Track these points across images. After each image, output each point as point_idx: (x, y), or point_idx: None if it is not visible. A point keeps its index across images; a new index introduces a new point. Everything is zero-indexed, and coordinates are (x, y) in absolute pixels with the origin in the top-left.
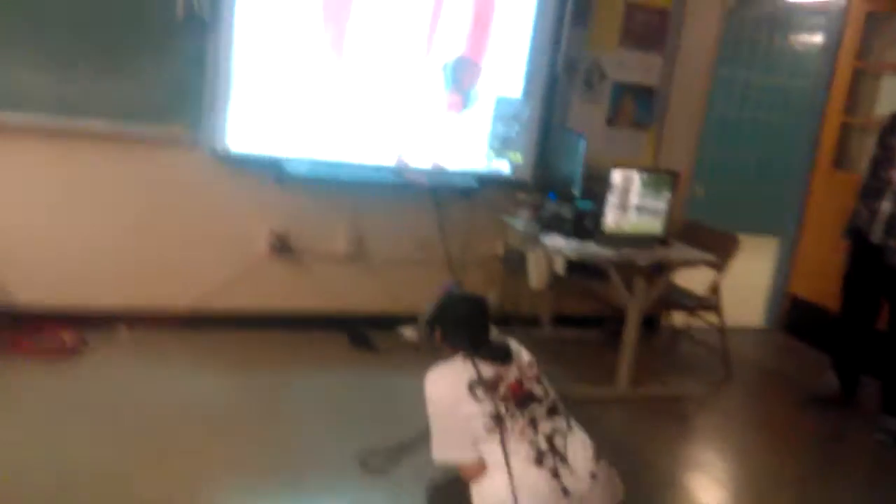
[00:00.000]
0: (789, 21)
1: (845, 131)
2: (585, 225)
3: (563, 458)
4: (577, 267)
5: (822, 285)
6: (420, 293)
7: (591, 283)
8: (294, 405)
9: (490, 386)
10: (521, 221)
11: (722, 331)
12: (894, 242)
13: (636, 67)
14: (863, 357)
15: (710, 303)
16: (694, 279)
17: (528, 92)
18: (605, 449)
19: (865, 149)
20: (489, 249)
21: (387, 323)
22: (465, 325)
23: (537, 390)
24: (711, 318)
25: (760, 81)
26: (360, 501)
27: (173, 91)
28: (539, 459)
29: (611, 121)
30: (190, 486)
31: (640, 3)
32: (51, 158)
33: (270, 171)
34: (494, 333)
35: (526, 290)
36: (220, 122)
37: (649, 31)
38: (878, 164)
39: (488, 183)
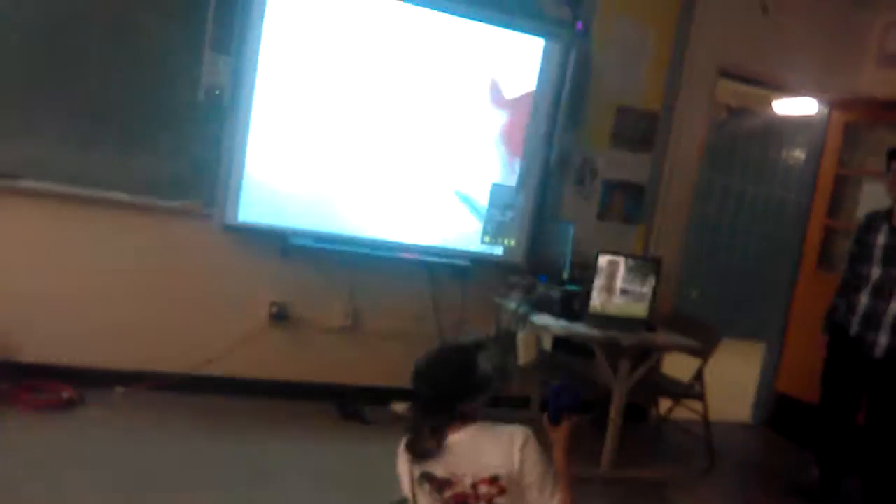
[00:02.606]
0: (778, 134)
1: (829, 234)
2: (573, 306)
3: None
4: (565, 347)
5: (808, 383)
6: (412, 369)
7: (578, 363)
8: (280, 471)
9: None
10: (512, 302)
11: (706, 419)
12: (872, 335)
13: (626, 166)
14: (844, 451)
15: (694, 391)
16: (681, 370)
17: (523, 182)
18: None
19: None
20: (482, 328)
21: (378, 396)
22: None
23: None
24: (697, 407)
25: (752, 191)
26: None
27: (190, 168)
28: None
29: (601, 215)
30: None
31: (630, 106)
32: (66, 223)
33: (276, 244)
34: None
35: (516, 372)
36: (232, 197)
37: (639, 133)
38: (856, 261)
39: (483, 264)
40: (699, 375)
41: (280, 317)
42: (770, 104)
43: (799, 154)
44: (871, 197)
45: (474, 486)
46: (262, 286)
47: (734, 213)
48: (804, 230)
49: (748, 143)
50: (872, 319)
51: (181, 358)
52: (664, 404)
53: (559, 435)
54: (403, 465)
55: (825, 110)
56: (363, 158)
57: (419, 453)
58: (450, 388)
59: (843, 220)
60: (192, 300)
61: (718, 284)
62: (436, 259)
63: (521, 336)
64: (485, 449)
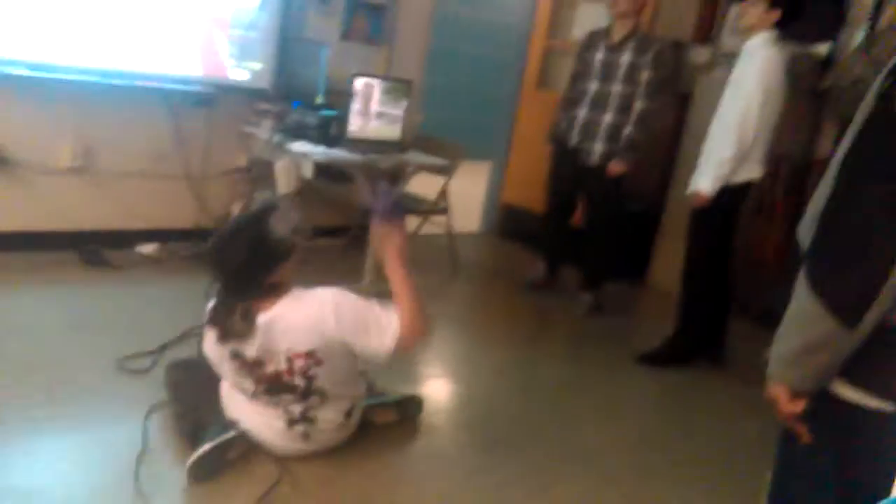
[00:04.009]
0: None
1: (548, 55)
2: (331, 131)
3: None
4: (324, 173)
5: (531, 193)
6: (157, 208)
7: (337, 188)
8: (35, 324)
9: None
10: (265, 130)
11: (450, 232)
12: (589, 144)
13: None
14: (564, 247)
15: (440, 207)
16: (423, 187)
17: (264, 1)
18: None
19: (566, 68)
20: (231, 161)
21: (121, 240)
22: None
23: (297, 381)
24: (440, 221)
25: (478, 17)
26: (118, 400)
27: None
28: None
29: (345, 35)
30: None
31: None
32: None
33: None
34: None
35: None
36: None
37: None
38: (577, 78)
39: (228, 92)
40: (443, 192)
41: None
42: None
43: None
44: (588, 17)
45: (289, 360)
46: None
47: (463, 39)
48: (525, 53)
49: None
50: (590, 130)
51: None
52: (412, 220)
53: (391, 240)
54: (209, 344)
55: None
56: None
57: (229, 333)
58: (247, 264)
59: (561, 40)
60: None
61: (450, 108)
62: (175, 87)
63: (279, 165)
64: (296, 324)
